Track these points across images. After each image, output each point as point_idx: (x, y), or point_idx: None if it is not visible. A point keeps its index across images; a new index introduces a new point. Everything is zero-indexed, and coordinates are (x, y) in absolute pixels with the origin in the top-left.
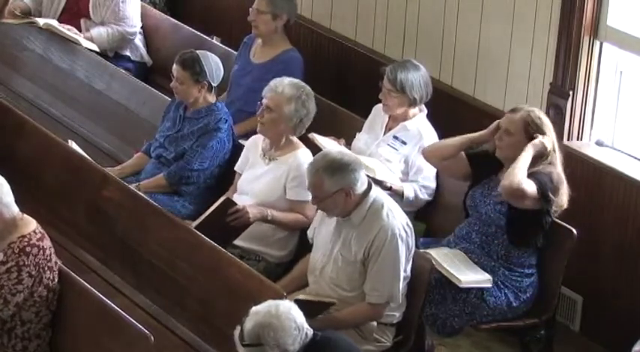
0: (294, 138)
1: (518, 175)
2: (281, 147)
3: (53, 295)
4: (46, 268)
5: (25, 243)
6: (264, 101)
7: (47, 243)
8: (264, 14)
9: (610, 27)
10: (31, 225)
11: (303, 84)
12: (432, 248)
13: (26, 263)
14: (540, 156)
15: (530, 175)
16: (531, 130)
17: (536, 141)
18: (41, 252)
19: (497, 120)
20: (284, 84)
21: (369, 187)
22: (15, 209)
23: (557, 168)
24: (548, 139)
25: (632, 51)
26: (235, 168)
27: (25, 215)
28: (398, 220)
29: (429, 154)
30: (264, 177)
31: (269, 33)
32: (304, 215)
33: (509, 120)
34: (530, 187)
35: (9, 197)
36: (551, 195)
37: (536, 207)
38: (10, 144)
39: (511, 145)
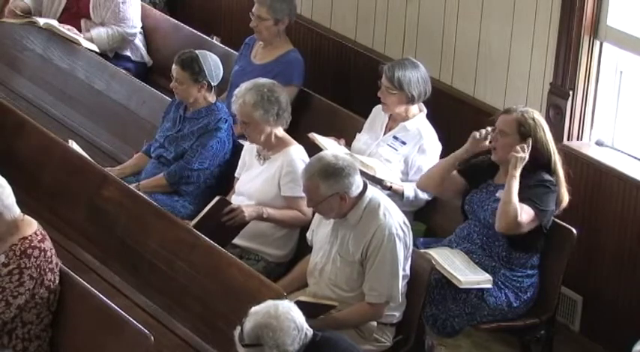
0: (285, 134)
1: (511, 212)
2: (273, 146)
3: (54, 296)
4: (47, 270)
5: (27, 245)
6: (237, 117)
7: (48, 244)
8: (265, 21)
9: (610, 27)
10: (32, 226)
11: (262, 81)
12: (433, 248)
13: (28, 265)
14: (538, 163)
15: (523, 194)
16: (524, 131)
17: (512, 159)
18: (42, 253)
19: (474, 132)
20: (243, 93)
21: (365, 188)
22: (16, 210)
23: (558, 166)
24: (525, 145)
25: (632, 51)
26: (235, 174)
27: (25, 216)
28: (395, 219)
29: (423, 186)
30: (259, 177)
31: (272, 37)
32: (301, 211)
33: (504, 121)
34: (528, 215)
35: (10, 199)
36: (549, 209)
37: (536, 224)
38: (10, 144)
39: (506, 145)
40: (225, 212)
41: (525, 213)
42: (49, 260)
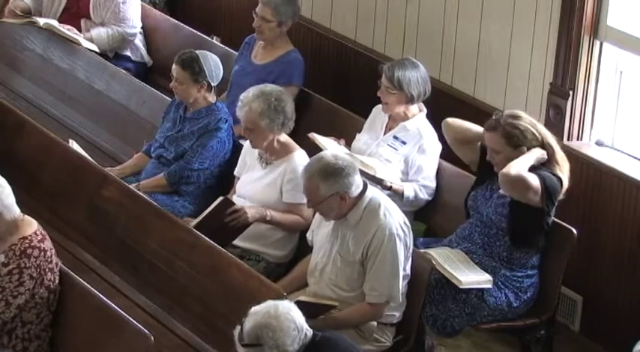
0: (288, 139)
1: (517, 164)
2: (276, 151)
3: (54, 296)
4: (47, 270)
5: (27, 245)
6: (241, 122)
7: (48, 244)
8: (270, 22)
9: (610, 27)
10: (32, 226)
11: (269, 89)
12: (433, 248)
13: (27, 265)
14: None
15: (531, 171)
16: (515, 142)
17: (536, 150)
18: (42, 253)
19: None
20: (250, 99)
21: (365, 188)
22: (16, 210)
23: (557, 154)
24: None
25: (632, 51)
26: (235, 173)
27: (25, 216)
28: (395, 219)
29: (449, 129)
30: (261, 181)
31: (274, 38)
32: (302, 216)
33: (491, 140)
34: (533, 179)
35: (10, 199)
36: (554, 193)
37: (539, 203)
38: (10, 144)
39: (503, 161)
40: (229, 212)
41: (529, 176)
42: (49, 260)
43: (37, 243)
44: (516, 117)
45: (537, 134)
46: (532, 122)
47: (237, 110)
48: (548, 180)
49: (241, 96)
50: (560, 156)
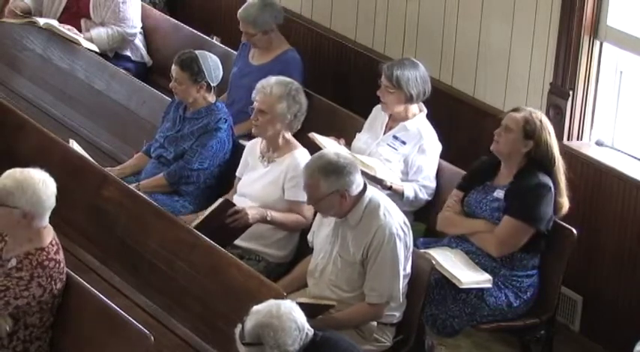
0: (291, 138)
1: (493, 242)
2: (279, 148)
3: (58, 301)
4: (57, 280)
5: (44, 257)
6: (256, 104)
7: (61, 254)
8: (254, 35)
9: (610, 27)
10: (49, 234)
11: (290, 80)
12: (433, 248)
13: (40, 274)
14: (540, 165)
15: (515, 205)
16: (529, 129)
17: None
18: (57, 265)
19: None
20: (271, 84)
21: (365, 188)
22: (46, 220)
23: (560, 173)
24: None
25: (632, 51)
26: (237, 173)
27: (48, 225)
28: (395, 219)
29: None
30: (262, 179)
31: (267, 44)
32: (303, 215)
33: (510, 118)
34: (523, 235)
35: (50, 201)
36: (544, 217)
37: (531, 232)
38: (10, 144)
39: (508, 142)
40: (229, 214)
41: (518, 234)
42: (61, 271)
43: (54, 255)
44: (543, 115)
45: (548, 138)
46: (551, 129)
47: (254, 94)
48: (533, 219)
49: (261, 82)
50: (560, 173)
